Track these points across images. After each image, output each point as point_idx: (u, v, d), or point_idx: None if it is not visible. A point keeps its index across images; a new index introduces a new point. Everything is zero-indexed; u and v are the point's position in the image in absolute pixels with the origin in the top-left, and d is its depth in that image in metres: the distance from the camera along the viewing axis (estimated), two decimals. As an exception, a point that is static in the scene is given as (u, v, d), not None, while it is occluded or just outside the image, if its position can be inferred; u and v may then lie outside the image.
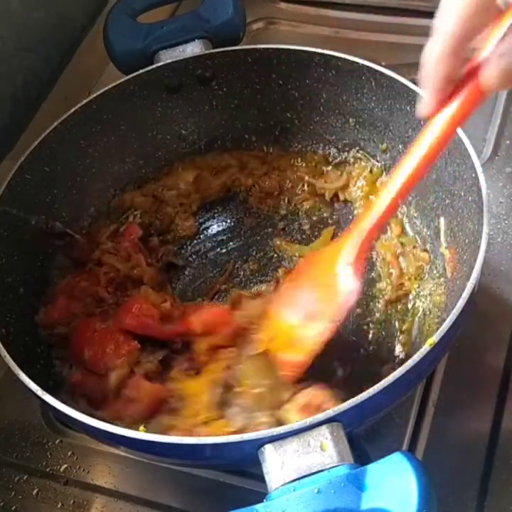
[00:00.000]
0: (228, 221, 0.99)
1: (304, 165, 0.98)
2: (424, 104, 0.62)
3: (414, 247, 0.89)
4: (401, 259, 0.89)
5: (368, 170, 0.94)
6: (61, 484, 0.82)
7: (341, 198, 0.96)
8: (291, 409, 0.72)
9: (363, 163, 0.94)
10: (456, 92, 0.61)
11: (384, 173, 0.92)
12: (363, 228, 0.73)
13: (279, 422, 0.71)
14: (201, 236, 0.98)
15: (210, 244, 0.98)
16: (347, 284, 0.73)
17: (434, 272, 0.85)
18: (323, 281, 0.76)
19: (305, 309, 0.77)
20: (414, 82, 0.83)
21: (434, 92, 0.61)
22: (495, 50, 0.58)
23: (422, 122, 0.83)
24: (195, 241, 0.97)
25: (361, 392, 0.60)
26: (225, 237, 0.98)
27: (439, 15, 0.58)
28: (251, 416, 0.74)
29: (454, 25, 0.57)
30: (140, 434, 0.62)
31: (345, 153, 0.95)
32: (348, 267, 0.73)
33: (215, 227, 0.99)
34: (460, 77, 0.60)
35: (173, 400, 0.77)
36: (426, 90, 0.61)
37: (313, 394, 0.72)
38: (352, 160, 0.95)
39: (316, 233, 0.96)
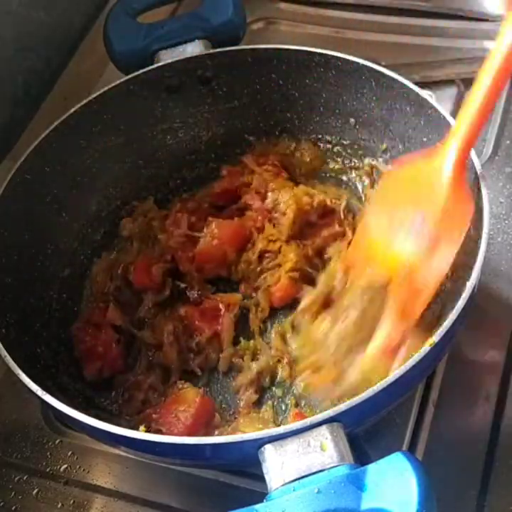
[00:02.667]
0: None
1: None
2: None
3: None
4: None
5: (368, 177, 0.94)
6: (61, 484, 0.82)
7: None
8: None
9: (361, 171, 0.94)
10: None
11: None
12: (460, 134, 0.71)
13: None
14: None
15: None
16: (461, 199, 0.71)
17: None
18: (426, 201, 0.73)
19: (421, 236, 0.73)
20: (414, 82, 0.83)
21: None
22: None
23: (421, 121, 0.83)
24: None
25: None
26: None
27: None
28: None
29: None
30: (140, 434, 0.63)
31: (345, 155, 0.95)
32: (455, 178, 0.72)
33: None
34: None
35: None
36: None
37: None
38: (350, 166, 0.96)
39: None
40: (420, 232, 0.73)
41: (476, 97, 0.71)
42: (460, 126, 0.72)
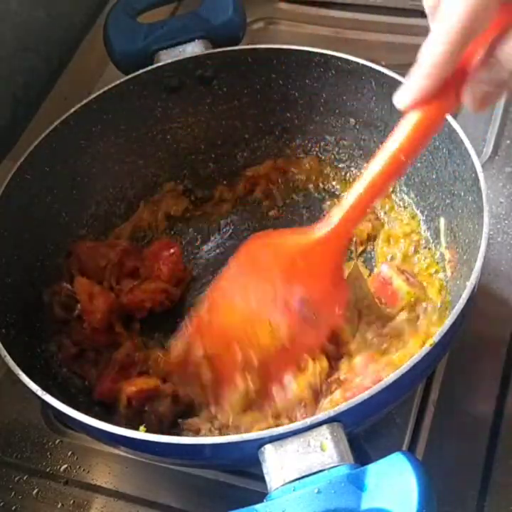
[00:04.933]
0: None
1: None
2: (409, 92, 0.59)
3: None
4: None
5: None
6: (61, 484, 0.82)
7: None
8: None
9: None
10: (439, 92, 0.58)
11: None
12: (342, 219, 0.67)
13: None
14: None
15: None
16: (338, 284, 0.71)
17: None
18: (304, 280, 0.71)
19: (293, 312, 0.72)
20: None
21: (425, 81, 0.58)
22: (477, 73, 0.57)
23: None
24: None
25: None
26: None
27: (444, 9, 0.57)
28: None
29: (459, 20, 0.55)
30: (140, 434, 0.63)
31: (344, 157, 0.96)
32: (335, 264, 0.71)
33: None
34: (447, 76, 0.57)
35: None
36: (416, 79, 0.58)
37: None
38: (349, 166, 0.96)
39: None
40: (294, 308, 0.72)
41: (366, 184, 0.65)
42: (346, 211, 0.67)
